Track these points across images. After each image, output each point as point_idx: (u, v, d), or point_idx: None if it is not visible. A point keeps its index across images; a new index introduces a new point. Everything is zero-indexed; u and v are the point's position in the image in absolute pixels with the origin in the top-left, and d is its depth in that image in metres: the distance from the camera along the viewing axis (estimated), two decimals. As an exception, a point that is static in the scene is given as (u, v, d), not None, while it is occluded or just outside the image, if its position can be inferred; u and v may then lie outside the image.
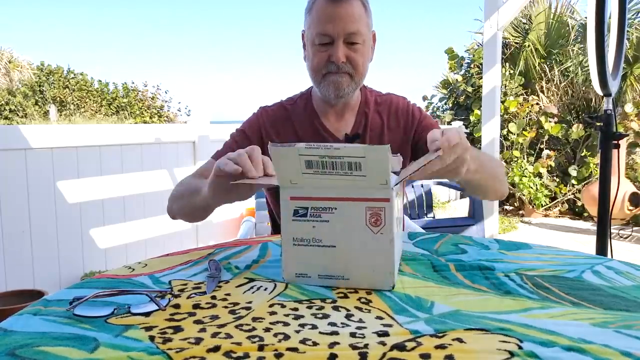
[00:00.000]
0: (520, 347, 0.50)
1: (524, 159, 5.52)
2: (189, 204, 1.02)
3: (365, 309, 0.61)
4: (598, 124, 1.84)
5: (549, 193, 5.40)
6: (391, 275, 0.69)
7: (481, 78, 4.72)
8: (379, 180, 0.67)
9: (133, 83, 19.65)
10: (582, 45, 5.81)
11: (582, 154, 5.46)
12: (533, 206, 5.37)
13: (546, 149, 5.57)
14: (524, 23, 6.21)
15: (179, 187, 1.10)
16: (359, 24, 1.13)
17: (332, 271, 0.71)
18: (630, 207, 4.40)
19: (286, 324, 0.57)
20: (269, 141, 1.25)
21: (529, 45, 6.04)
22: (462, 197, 6.30)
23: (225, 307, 0.63)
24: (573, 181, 5.38)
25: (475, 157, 0.88)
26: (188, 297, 0.66)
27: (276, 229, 1.39)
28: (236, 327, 0.56)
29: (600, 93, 1.86)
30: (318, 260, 0.71)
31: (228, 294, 0.67)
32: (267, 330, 0.55)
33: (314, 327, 0.56)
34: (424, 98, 7.36)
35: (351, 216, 0.69)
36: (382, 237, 0.69)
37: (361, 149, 0.65)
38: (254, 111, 1.32)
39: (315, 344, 0.52)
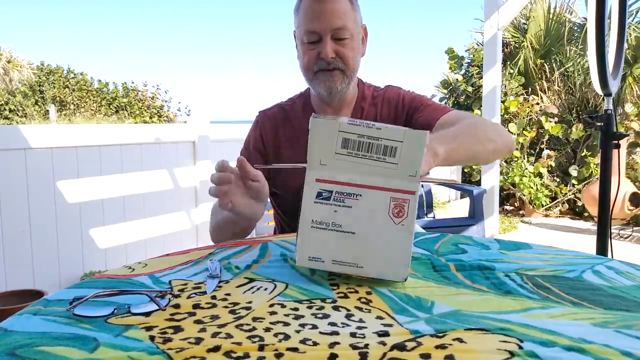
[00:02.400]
0: (520, 347, 0.50)
1: (524, 159, 5.52)
2: (225, 229, 1.12)
3: (366, 309, 0.61)
4: (598, 123, 1.84)
5: (550, 193, 5.40)
6: (406, 267, 0.69)
7: (481, 78, 4.72)
8: (409, 170, 0.67)
9: (133, 83, 19.66)
10: (581, 45, 5.81)
11: (583, 154, 5.46)
12: (533, 206, 5.37)
13: (546, 148, 5.57)
14: (523, 23, 6.21)
15: (212, 217, 1.20)
16: (345, 19, 1.14)
17: (347, 258, 0.70)
18: (631, 207, 4.40)
19: (286, 324, 0.57)
20: (270, 141, 1.26)
21: (528, 45, 6.04)
22: (462, 197, 6.30)
23: (226, 307, 0.63)
24: (573, 181, 5.38)
25: (442, 137, 0.94)
26: (188, 297, 0.66)
27: (282, 230, 1.38)
28: (236, 327, 0.56)
29: (601, 93, 1.86)
30: (334, 245, 0.69)
31: (228, 294, 0.67)
32: (267, 330, 0.55)
33: (314, 327, 0.56)
34: (424, 98, 7.36)
35: (375, 205, 0.68)
36: (402, 229, 0.69)
37: (402, 131, 0.66)
38: (254, 118, 1.34)
39: (315, 344, 0.52)
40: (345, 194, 0.68)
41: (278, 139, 1.27)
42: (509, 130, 5.50)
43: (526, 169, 5.39)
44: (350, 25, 1.15)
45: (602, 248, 1.86)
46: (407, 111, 1.24)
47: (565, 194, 5.38)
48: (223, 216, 1.08)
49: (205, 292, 0.68)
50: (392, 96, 1.27)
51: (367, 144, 0.66)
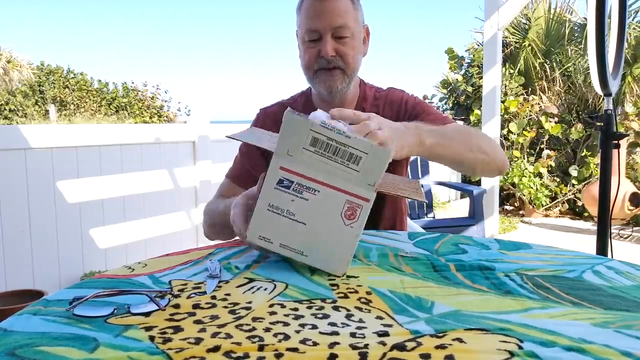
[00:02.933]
0: (520, 347, 0.50)
1: (524, 158, 5.52)
2: (223, 229, 1.09)
3: (366, 309, 0.61)
4: (598, 123, 1.84)
5: (549, 193, 5.40)
6: (346, 264, 0.75)
7: (481, 78, 4.72)
8: (369, 179, 0.71)
9: (133, 83, 19.66)
10: (581, 45, 5.81)
11: (583, 154, 5.46)
12: (533, 206, 5.37)
13: (546, 148, 5.57)
14: (523, 23, 6.21)
15: (208, 215, 1.18)
16: (346, 17, 1.14)
17: (294, 244, 0.74)
18: (631, 207, 4.40)
19: (286, 324, 0.57)
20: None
21: (528, 45, 6.04)
22: (462, 197, 6.30)
23: (225, 307, 0.63)
24: (573, 181, 5.38)
25: (434, 131, 0.94)
26: (188, 297, 0.66)
27: None
28: (236, 327, 0.56)
29: (601, 93, 1.86)
30: (284, 231, 0.74)
31: (228, 294, 0.67)
32: (267, 330, 0.55)
33: (314, 327, 0.56)
34: (424, 98, 7.36)
35: (330, 203, 0.72)
36: (351, 230, 0.73)
37: (369, 145, 0.69)
38: (255, 115, 1.33)
39: (315, 344, 0.52)
40: (304, 187, 0.72)
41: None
42: (509, 130, 5.50)
43: (526, 169, 5.39)
44: (351, 24, 1.15)
45: (602, 248, 1.86)
46: (409, 116, 1.24)
47: (565, 194, 5.38)
48: (223, 221, 1.07)
49: (205, 292, 0.68)
50: (395, 99, 1.27)
51: (335, 147, 0.69)
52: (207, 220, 1.19)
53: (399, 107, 1.25)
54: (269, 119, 1.29)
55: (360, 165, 0.70)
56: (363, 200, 0.72)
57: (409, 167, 1.47)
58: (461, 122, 6.17)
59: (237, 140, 0.91)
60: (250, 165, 1.24)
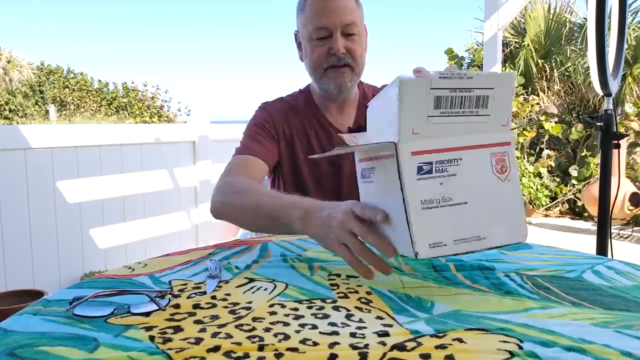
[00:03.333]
0: (520, 347, 0.50)
1: (524, 158, 5.52)
2: (255, 219, 0.94)
3: (366, 309, 0.61)
4: (598, 123, 1.84)
5: (549, 193, 5.40)
6: (524, 225, 0.64)
7: (481, 78, 4.71)
8: (501, 119, 0.62)
9: (133, 83, 19.70)
10: (581, 45, 5.82)
11: (583, 154, 5.46)
12: (533, 206, 5.37)
13: (546, 148, 5.57)
14: (523, 23, 6.21)
15: (237, 195, 0.99)
16: (354, 15, 1.15)
17: (468, 232, 0.61)
18: (631, 207, 4.40)
19: (286, 324, 0.57)
20: (282, 131, 1.24)
21: (528, 45, 6.04)
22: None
23: (225, 307, 0.63)
24: (573, 181, 5.38)
25: None
26: (188, 297, 0.66)
27: None
28: (236, 327, 0.56)
29: (601, 93, 1.86)
30: (451, 222, 0.61)
31: (228, 294, 0.67)
32: (267, 330, 0.55)
33: (314, 327, 0.56)
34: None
35: (478, 165, 0.62)
36: (509, 185, 0.63)
37: (491, 77, 0.61)
38: (259, 110, 1.29)
39: (315, 344, 0.52)
40: (446, 162, 0.60)
41: (289, 126, 1.25)
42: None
43: (526, 169, 5.39)
44: (358, 21, 1.15)
45: (602, 248, 1.86)
46: None
47: (565, 194, 5.38)
48: (267, 216, 0.89)
49: (205, 292, 0.68)
50: None
51: (460, 97, 0.59)
52: (229, 202, 1.01)
53: None
54: (275, 110, 1.26)
55: (490, 107, 0.61)
56: (505, 145, 0.63)
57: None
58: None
59: (321, 157, 0.77)
60: (268, 148, 1.20)
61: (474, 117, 0.61)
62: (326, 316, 0.59)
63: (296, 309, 0.62)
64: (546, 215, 5.45)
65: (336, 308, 0.62)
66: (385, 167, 0.63)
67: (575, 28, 6.11)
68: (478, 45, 6.68)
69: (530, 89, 6.09)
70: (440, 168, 0.60)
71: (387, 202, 0.64)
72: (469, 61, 6.88)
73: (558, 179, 5.52)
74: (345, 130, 1.24)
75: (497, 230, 0.63)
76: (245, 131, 1.25)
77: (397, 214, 0.61)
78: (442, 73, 0.58)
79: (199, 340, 0.53)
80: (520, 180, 5.30)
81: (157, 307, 0.61)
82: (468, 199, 0.61)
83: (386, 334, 0.54)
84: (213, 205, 1.04)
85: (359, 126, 1.24)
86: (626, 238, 4.25)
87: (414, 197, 0.59)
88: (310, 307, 0.62)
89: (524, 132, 5.49)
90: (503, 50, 5.69)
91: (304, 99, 1.29)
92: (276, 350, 0.50)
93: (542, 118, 5.48)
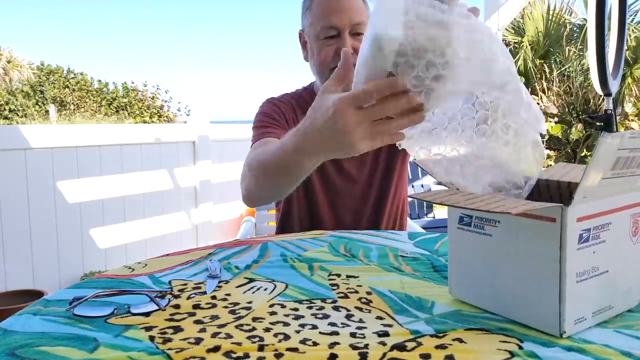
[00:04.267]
0: (520, 347, 0.50)
1: (524, 159, 5.51)
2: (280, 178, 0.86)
3: (366, 309, 0.61)
4: (598, 123, 1.84)
5: (549, 193, 5.40)
6: None
7: (481, 78, 4.71)
8: None
9: (133, 83, 19.71)
10: (581, 46, 5.82)
11: (583, 154, 5.46)
12: (533, 206, 5.37)
13: (546, 149, 5.57)
14: (522, 23, 6.22)
15: (256, 162, 0.94)
16: (363, 15, 1.14)
17: (604, 303, 0.56)
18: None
19: (286, 324, 0.57)
20: (291, 118, 1.22)
21: (527, 45, 6.04)
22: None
23: (225, 307, 0.63)
24: (573, 181, 5.38)
25: None
26: (188, 297, 0.66)
27: (282, 230, 1.32)
28: (236, 327, 0.56)
29: (601, 93, 1.86)
30: (594, 294, 0.55)
31: (228, 294, 0.67)
32: (267, 330, 0.55)
33: (314, 327, 0.56)
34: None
35: (620, 229, 0.56)
36: (638, 248, 0.59)
37: None
38: (265, 106, 1.26)
39: (315, 344, 0.52)
40: (600, 227, 0.54)
41: (297, 118, 1.23)
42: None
43: (526, 169, 5.38)
44: (366, 21, 1.14)
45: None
46: None
47: (565, 194, 5.37)
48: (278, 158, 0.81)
49: (205, 292, 0.68)
50: None
51: (633, 158, 0.52)
52: (259, 172, 0.94)
53: None
54: (282, 104, 1.25)
55: None
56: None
57: (409, 166, 1.46)
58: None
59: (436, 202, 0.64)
60: (279, 133, 1.15)
61: (632, 177, 0.55)
62: (326, 316, 0.59)
63: (296, 309, 0.62)
64: (546, 215, 5.44)
65: (336, 308, 0.62)
66: (523, 224, 0.55)
67: (575, 29, 6.11)
68: (478, 45, 6.67)
69: (530, 89, 6.09)
70: (595, 235, 0.54)
71: (518, 265, 0.56)
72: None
73: (558, 179, 5.51)
74: None
75: (625, 297, 0.59)
76: (254, 124, 1.23)
77: (538, 284, 0.54)
78: (633, 133, 0.51)
79: (199, 341, 0.53)
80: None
81: (157, 307, 0.61)
82: (609, 267, 0.56)
83: (386, 334, 0.54)
84: (244, 192, 1.01)
85: None
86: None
87: (572, 270, 0.52)
88: (310, 307, 0.62)
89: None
90: (503, 50, 5.68)
91: (309, 95, 1.28)
92: (276, 350, 0.50)
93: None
